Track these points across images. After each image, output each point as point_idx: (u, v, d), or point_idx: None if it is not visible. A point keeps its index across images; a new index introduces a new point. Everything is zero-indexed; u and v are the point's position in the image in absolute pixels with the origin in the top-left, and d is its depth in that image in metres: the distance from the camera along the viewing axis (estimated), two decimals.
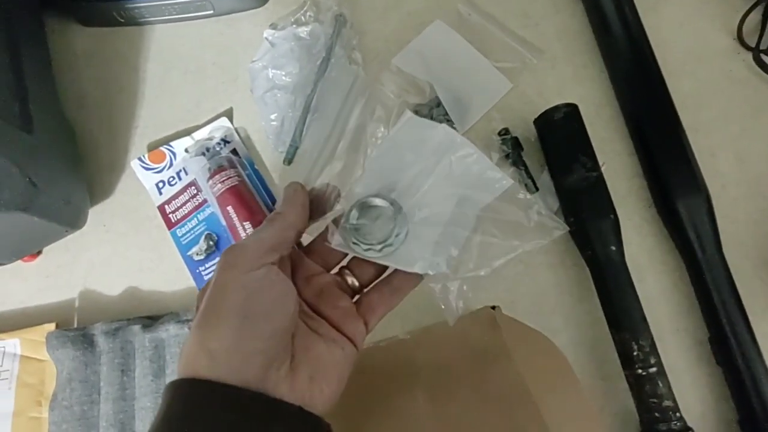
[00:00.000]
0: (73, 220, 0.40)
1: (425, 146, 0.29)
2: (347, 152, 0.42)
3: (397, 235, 0.27)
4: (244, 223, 0.40)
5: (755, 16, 0.45)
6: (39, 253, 0.43)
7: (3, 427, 0.37)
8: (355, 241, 0.27)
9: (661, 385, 0.34)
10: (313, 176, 0.41)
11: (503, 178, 0.29)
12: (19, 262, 0.42)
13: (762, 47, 0.44)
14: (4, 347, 0.40)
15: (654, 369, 0.34)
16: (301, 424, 0.21)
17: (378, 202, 0.28)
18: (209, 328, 0.21)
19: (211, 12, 0.48)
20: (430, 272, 0.27)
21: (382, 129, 0.39)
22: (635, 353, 0.35)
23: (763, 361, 0.35)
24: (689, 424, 0.34)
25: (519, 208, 0.29)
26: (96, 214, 0.44)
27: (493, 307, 0.34)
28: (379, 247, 0.27)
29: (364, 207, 0.28)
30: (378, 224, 0.28)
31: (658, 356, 0.35)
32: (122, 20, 0.49)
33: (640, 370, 0.34)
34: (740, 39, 0.45)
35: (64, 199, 0.38)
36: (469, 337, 0.32)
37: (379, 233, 0.28)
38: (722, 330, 0.36)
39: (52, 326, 0.40)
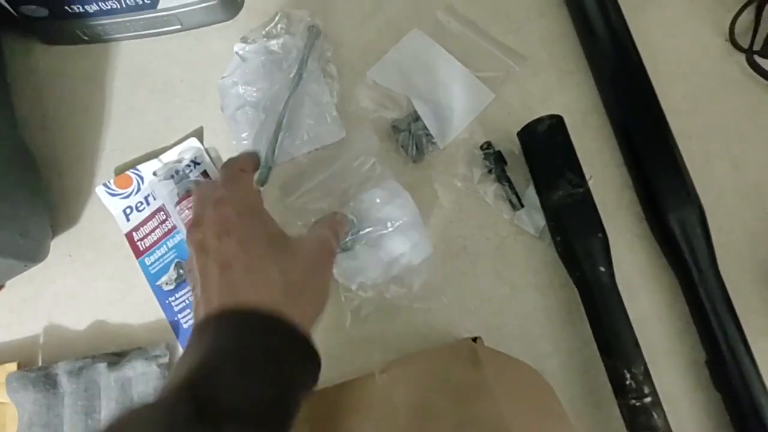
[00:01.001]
0: (33, 254, 0.38)
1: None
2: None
3: (344, 242, 0.37)
4: None
5: (747, 16, 0.43)
6: (1, 287, 0.41)
7: None
8: None
9: (655, 416, 0.32)
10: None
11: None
12: None
13: (755, 48, 0.42)
14: None
15: (648, 399, 0.32)
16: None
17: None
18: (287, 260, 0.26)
19: (179, 27, 0.46)
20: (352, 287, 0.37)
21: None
22: (628, 382, 0.33)
23: (764, 385, 0.33)
24: None
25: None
26: (61, 243, 0.42)
27: (475, 339, 0.32)
28: None
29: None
30: None
31: (652, 385, 0.33)
32: (86, 38, 0.46)
33: (633, 401, 0.32)
34: (732, 40, 0.43)
35: (21, 233, 0.36)
36: (449, 373, 0.30)
37: None
38: (720, 352, 0.34)
39: (13, 366, 0.38)
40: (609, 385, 0.34)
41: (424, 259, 0.37)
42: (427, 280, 0.38)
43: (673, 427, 0.33)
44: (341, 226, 0.34)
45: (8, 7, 0.43)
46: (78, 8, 0.43)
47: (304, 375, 0.24)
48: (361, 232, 0.37)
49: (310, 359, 0.24)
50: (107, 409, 0.35)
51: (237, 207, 0.28)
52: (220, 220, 0.27)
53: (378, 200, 0.37)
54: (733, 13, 0.43)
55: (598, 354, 0.35)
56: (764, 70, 0.41)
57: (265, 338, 0.23)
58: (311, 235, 0.31)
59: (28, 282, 0.41)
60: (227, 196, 0.28)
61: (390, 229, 0.37)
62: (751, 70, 0.41)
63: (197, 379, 0.21)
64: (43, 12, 0.43)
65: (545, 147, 0.38)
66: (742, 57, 0.42)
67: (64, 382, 0.36)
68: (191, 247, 0.28)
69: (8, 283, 0.41)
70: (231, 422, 0.20)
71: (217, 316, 0.24)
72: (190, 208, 0.39)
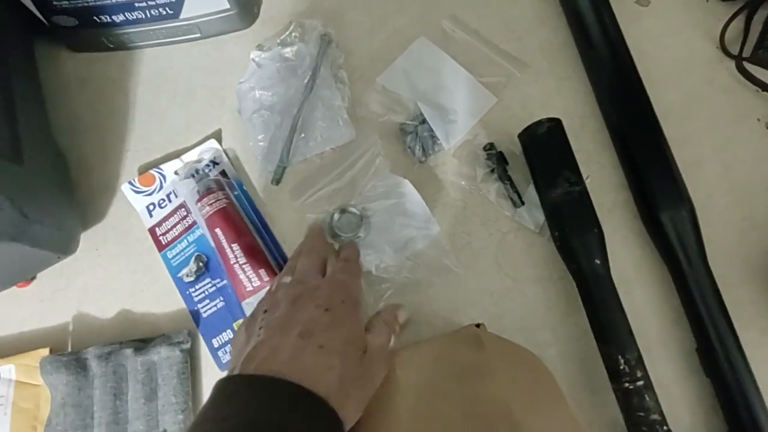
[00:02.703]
0: (65, 247, 0.41)
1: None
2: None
3: (358, 236, 0.41)
4: (232, 245, 0.40)
5: (737, 24, 0.45)
6: (33, 278, 0.44)
7: None
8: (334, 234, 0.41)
9: (647, 398, 0.34)
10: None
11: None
12: (14, 288, 0.42)
13: (745, 55, 0.44)
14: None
15: (641, 383, 0.34)
16: None
17: (353, 209, 0.42)
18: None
19: (199, 35, 0.49)
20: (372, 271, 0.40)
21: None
22: (621, 367, 0.35)
23: (750, 372, 0.35)
24: None
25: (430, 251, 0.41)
26: (88, 238, 0.44)
27: (478, 325, 0.34)
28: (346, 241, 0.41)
29: (344, 211, 0.42)
30: (351, 226, 0.41)
31: (644, 370, 0.35)
32: (111, 45, 0.49)
33: (627, 384, 0.34)
34: (723, 47, 0.45)
35: (55, 226, 0.39)
36: (454, 356, 0.32)
37: (350, 232, 0.41)
38: (709, 341, 0.36)
39: (46, 351, 0.40)
40: (605, 373, 0.36)
41: (433, 238, 0.40)
42: (439, 256, 0.40)
43: (665, 411, 0.35)
44: (398, 322, 0.36)
45: (40, 16, 0.46)
46: (105, 18, 0.46)
47: None
48: (372, 223, 0.40)
49: None
50: (134, 391, 0.38)
51: (349, 291, 0.31)
52: (329, 299, 0.30)
53: (383, 190, 0.39)
54: (724, 22, 0.45)
55: (594, 343, 0.37)
56: (753, 76, 0.43)
57: (317, 426, 0.25)
58: (374, 343, 0.32)
59: (58, 274, 0.44)
60: (347, 279, 0.32)
61: (398, 216, 0.40)
62: (740, 76, 0.44)
63: None
64: (72, 21, 0.46)
65: (544, 148, 0.40)
66: (732, 63, 0.44)
67: (94, 366, 0.38)
68: (286, 295, 0.30)
69: (39, 276, 0.44)
70: None
71: (275, 381, 0.25)
72: (211, 204, 0.41)
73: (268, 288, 0.35)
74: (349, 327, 0.30)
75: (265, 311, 0.31)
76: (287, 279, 0.34)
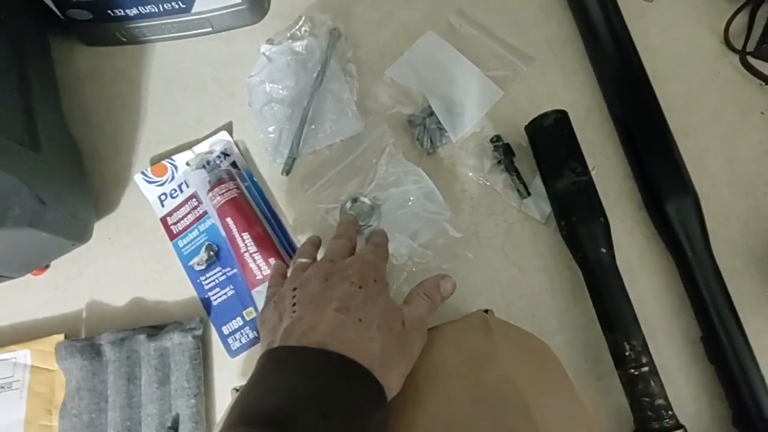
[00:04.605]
0: (80, 234, 0.41)
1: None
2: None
3: (369, 226, 0.42)
4: (243, 234, 0.41)
5: (742, 19, 0.46)
6: (47, 266, 0.45)
7: None
8: None
9: (653, 384, 0.35)
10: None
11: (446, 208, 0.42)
12: (29, 275, 0.43)
13: (749, 49, 0.44)
14: (15, 358, 0.41)
15: (646, 368, 0.35)
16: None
17: (364, 199, 0.42)
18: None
19: (210, 29, 0.50)
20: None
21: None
22: (627, 353, 0.35)
23: (754, 359, 0.36)
24: (684, 422, 0.35)
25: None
26: (101, 227, 0.45)
27: (486, 311, 0.35)
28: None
29: (355, 201, 0.43)
30: (362, 215, 0.42)
31: (649, 356, 0.35)
32: (124, 39, 0.50)
33: (632, 370, 0.35)
34: (727, 41, 0.46)
35: (71, 214, 0.39)
36: (462, 341, 0.33)
37: (362, 221, 0.41)
38: (714, 329, 0.37)
39: (61, 337, 0.41)
40: (610, 360, 0.37)
41: (444, 225, 0.41)
42: (450, 242, 0.41)
43: (670, 398, 0.35)
44: (440, 293, 0.34)
45: (56, 10, 0.47)
46: (119, 12, 0.47)
47: (375, 420, 0.27)
48: (383, 211, 0.41)
49: (382, 416, 0.27)
50: (147, 375, 0.38)
51: (378, 271, 0.31)
52: (361, 276, 0.30)
53: (395, 178, 0.40)
54: (728, 16, 0.46)
55: (599, 331, 0.38)
56: (757, 69, 0.44)
57: (364, 399, 0.26)
58: (412, 315, 0.32)
59: (71, 262, 0.44)
60: (376, 259, 0.32)
61: (409, 203, 0.40)
62: (744, 70, 0.44)
63: (290, 416, 0.23)
64: (86, 15, 0.47)
65: (551, 139, 0.41)
66: (736, 58, 0.45)
67: (108, 351, 0.39)
68: (316, 273, 0.31)
69: (53, 264, 0.45)
70: None
71: (319, 351, 0.26)
72: (222, 194, 0.42)
73: (291, 268, 0.35)
74: (384, 302, 0.30)
75: (295, 289, 0.31)
76: (304, 260, 0.35)
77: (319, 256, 0.36)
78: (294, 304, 0.30)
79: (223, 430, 0.24)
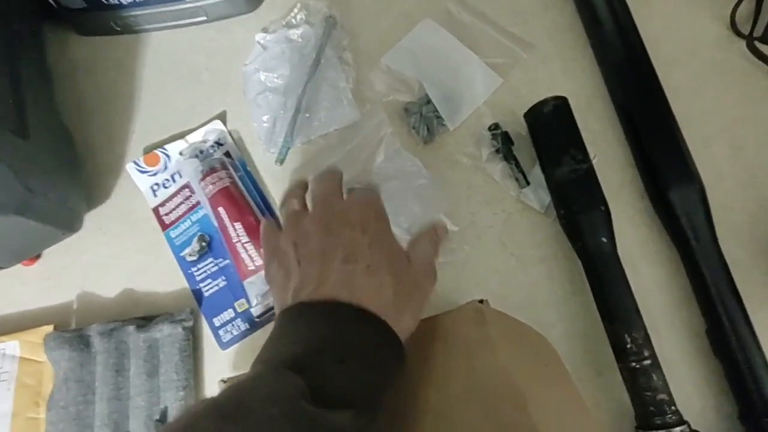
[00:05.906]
0: (70, 224, 0.41)
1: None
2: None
3: None
4: (235, 224, 0.40)
5: (748, 5, 0.44)
6: (38, 256, 0.44)
7: (2, 428, 0.38)
8: None
9: (655, 378, 0.33)
10: None
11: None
12: (19, 265, 0.42)
13: (756, 35, 0.43)
14: (4, 349, 0.40)
15: (648, 362, 0.34)
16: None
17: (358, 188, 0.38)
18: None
19: (205, 18, 0.49)
20: None
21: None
22: (628, 346, 0.34)
23: (762, 353, 0.34)
24: (688, 418, 0.33)
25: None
26: (93, 217, 0.45)
27: (481, 301, 0.34)
28: None
29: (351, 191, 0.37)
30: None
31: (652, 349, 0.34)
32: (118, 29, 0.50)
33: (633, 363, 0.34)
34: (733, 27, 0.44)
35: (60, 202, 0.39)
36: (456, 332, 0.31)
37: None
38: (719, 321, 0.35)
39: (50, 328, 0.40)
40: (610, 353, 0.36)
41: (442, 214, 0.41)
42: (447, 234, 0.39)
43: (673, 393, 0.34)
44: (442, 240, 0.34)
45: None
46: (113, 0, 0.46)
47: (394, 373, 0.27)
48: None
49: (401, 361, 0.27)
50: (136, 367, 0.38)
51: (377, 207, 0.31)
52: (362, 219, 0.29)
53: (392, 168, 0.39)
54: (735, 2, 0.44)
55: (599, 323, 0.36)
56: (765, 55, 0.42)
57: (378, 344, 0.26)
58: (418, 253, 0.31)
59: (63, 252, 0.44)
60: (372, 196, 0.31)
61: (408, 193, 0.39)
62: (751, 56, 0.43)
63: (308, 363, 0.23)
64: (80, 3, 0.47)
65: (550, 126, 0.40)
66: (742, 43, 0.44)
67: (97, 342, 0.38)
68: (315, 224, 0.30)
69: (44, 253, 0.44)
70: (343, 410, 0.23)
71: (332, 304, 0.26)
72: (214, 183, 0.41)
73: (282, 213, 0.34)
74: (390, 243, 0.30)
75: (295, 244, 0.30)
76: (295, 207, 0.33)
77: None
78: (299, 261, 0.29)
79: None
